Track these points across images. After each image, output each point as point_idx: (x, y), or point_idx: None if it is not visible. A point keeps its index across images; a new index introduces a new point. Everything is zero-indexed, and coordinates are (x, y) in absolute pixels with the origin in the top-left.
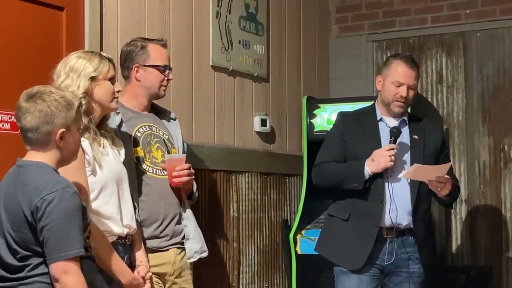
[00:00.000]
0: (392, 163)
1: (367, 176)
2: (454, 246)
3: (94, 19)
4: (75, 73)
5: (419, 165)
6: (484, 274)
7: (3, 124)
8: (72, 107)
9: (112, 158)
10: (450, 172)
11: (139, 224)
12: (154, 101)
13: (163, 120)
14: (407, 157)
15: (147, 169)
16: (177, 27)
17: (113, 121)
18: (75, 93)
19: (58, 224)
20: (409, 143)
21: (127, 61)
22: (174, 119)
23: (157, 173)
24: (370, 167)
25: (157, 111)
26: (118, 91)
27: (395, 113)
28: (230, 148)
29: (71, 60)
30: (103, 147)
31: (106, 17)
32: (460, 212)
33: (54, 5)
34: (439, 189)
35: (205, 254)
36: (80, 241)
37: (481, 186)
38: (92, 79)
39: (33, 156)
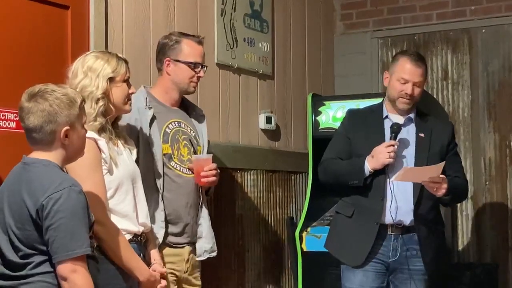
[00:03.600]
0: (391, 159)
1: (367, 173)
2: (460, 243)
3: (99, 17)
4: (93, 73)
5: (409, 167)
6: (490, 271)
7: (9, 123)
8: (75, 104)
9: (126, 157)
10: (459, 170)
11: (166, 221)
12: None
13: (191, 118)
14: (410, 154)
15: (175, 167)
16: (182, 25)
17: (145, 116)
18: (94, 93)
19: (65, 223)
20: (414, 141)
21: (160, 53)
22: (203, 116)
23: (183, 171)
24: (370, 163)
25: (186, 106)
26: (132, 93)
27: (401, 110)
28: (236, 146)
29: (89, 59)
30: (117, 147)
31: (111, 15)
32: (466, 209)
33: (60, 4)
34: (434, 189)
35: (214, 254)
36: (86, 239)
37: (487, 183)
38: (110, 80)
39: (39, 154)
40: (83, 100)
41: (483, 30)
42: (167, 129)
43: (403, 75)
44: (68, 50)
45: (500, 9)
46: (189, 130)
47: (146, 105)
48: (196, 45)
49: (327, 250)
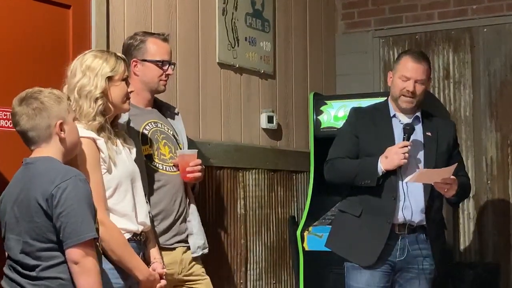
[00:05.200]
0: (405, 160)
1: (380, 173)
2: (461, 242)
3: (100, 17)
4: (92, 72)
5: (424, 169)
6: (491, 270)
7: (10, 122)
8: (63, 100)
9: (125, 156)
10: (462, 169)
11: (152, 221)
12: (156, 96)
13: (167, 118)
14: (420, 154)
15: (157, 166)
16: (184, 25)
17: (121, 119)
18: (93, 93)
19: (74, 209)
20: (422, 140)
21: (127, 55)
22: (177, 114)
23: (167, 169)
24: (383, 164)
25: (159, 105)
26: (130, 92)
27: (404, 109)
28: (237, 145)
29: (87, 59)
30: (116, 146)
31: (113, 15)
32: (467, 208)
33: (61, 3)
34: (445, 190)
35: (206, 251)
36: (94, 225)
37: (489, 182)
38: (109, 79)
39: (39, 152)
40: (68, 97)
41: (485, 29)
42: (144, 131)
43: (404, 72)
44: (70, 50)
45: (501, 8)
46: (167, 129)
47: None
48: (162, 42)
49: (328, 249)
